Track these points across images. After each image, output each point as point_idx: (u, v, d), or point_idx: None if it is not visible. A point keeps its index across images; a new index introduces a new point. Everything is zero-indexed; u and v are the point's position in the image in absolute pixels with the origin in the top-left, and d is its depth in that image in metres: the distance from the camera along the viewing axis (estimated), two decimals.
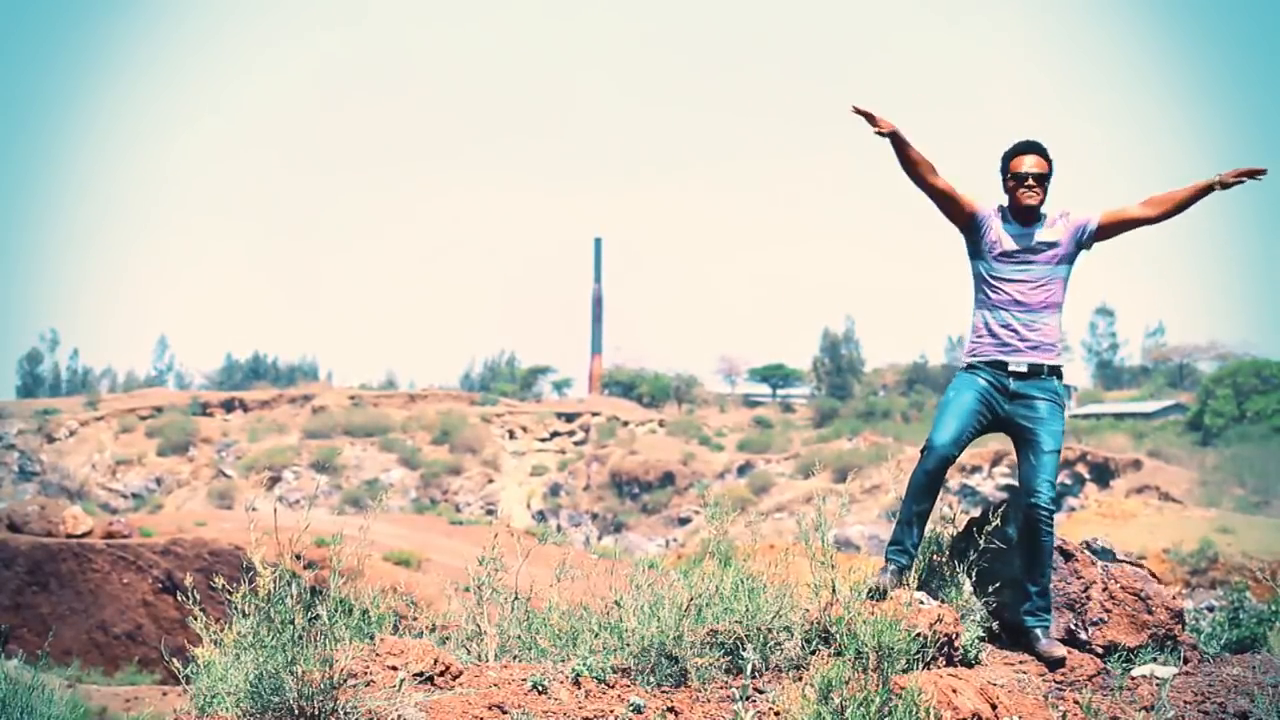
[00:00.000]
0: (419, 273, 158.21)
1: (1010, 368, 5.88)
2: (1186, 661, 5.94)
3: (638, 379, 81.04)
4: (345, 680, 4.66)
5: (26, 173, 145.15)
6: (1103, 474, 56.11)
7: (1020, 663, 5.70)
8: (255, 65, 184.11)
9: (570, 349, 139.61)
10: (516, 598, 5.75)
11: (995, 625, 5.89)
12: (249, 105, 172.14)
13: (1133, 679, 5.62)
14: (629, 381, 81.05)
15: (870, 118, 6.05)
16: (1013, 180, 5.96)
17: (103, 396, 77.77)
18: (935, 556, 6.05)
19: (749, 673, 5.14)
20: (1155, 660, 5.86)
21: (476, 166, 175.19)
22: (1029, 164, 5.93)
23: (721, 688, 5.14)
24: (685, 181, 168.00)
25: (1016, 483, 5.93)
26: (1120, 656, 5.80)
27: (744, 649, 5.23)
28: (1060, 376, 5.97)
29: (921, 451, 5.88)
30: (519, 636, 5.64)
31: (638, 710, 4.93)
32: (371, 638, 5.20)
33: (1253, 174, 5.67)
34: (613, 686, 5.08)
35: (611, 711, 4.92)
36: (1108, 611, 5.95)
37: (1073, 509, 47.82)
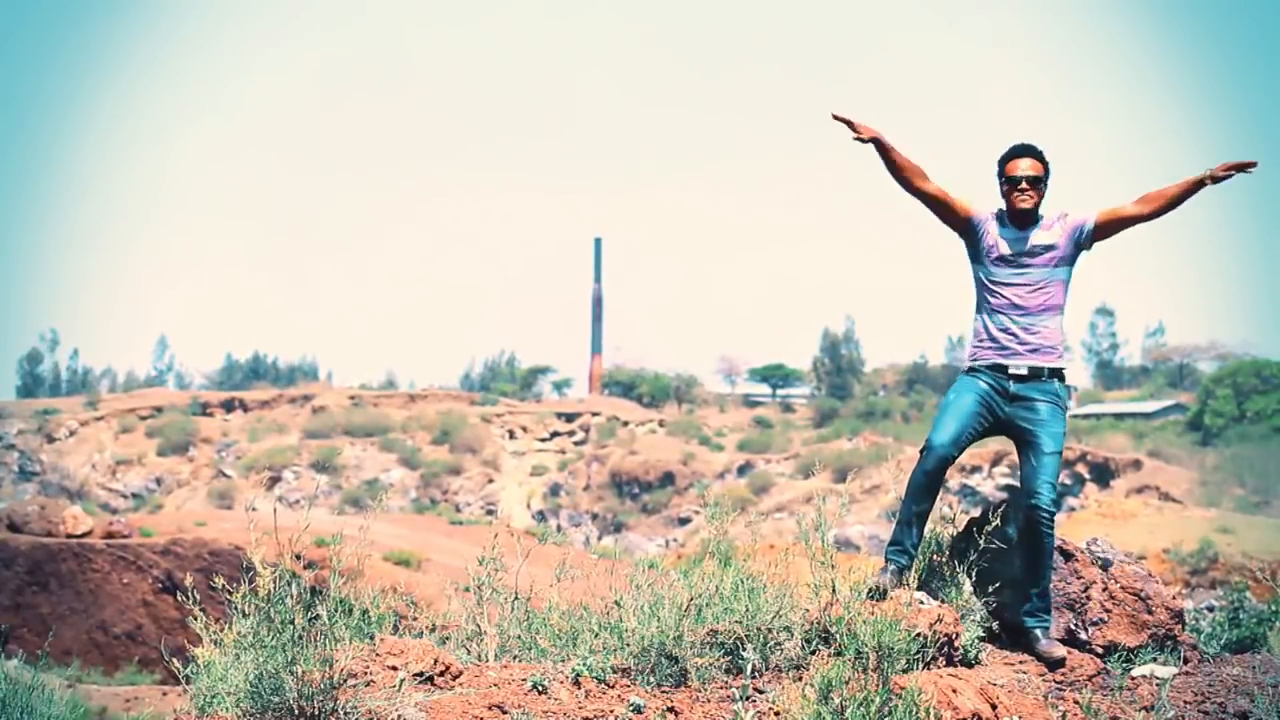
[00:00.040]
0: (419, 273, 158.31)
1: (1010, 370, 5.88)
2: (1186, 661, 5.94)
3: (638, 379, 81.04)
4: (345, 680, 4.66)
5: (26, 173, 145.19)
6: (1103, 474, 56.13)
7: (1020, 663, 5.70)
8: (255, 65, 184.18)
9: (570, 349, 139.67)
10: (516, 598, 5.75)
11: (995, 625, 5.89)
12: (249, 105, 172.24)
13: (1133, 679, 5.62)
14: (629, 381, 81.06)
15: (850, 124, 6.05)
16: (1007, 184, 5.96)
17: (103, 396, 77.77)
18: (935, 556, 6.05)
19: (749, 673, 5.14)
20: (1155, 660, 5.86)
21: (476, 166, 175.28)
22: (1023, 167, 5.93)
23: (721, 688, 5.14)
24: (685, 181, 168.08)
25: (1018, 484, 5.93)
26: (1120, 656, 5.80)
27: (744, 649, 5.23)
28: (1062, 379, 5.95)
29: (921, 452, 5.88)
30: (519, 636, 5.64)
31: (638, 710, 4.93)
32: (371, 638, 5.20)
33: (1242, 167, 5.65)
34: (613, 686, 5.08)
35: (611, 711, 4.92)
36: (1108, 611, 5.96)
37: (1073, 509, 47.84)
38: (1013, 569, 5.81)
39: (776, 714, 4.92)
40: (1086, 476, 56.40)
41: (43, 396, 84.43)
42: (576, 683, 5.05)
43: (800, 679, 5.01)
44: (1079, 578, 6.02)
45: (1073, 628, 5.94)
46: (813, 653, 5.26)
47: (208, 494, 64.73)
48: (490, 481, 66.67)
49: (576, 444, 69.72)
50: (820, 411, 73.43)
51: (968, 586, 5.89)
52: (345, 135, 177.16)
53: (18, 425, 69.36)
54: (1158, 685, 5.52)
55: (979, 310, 6.04)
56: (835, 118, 6.07)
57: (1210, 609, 9.94)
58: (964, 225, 6.08)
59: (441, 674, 4.99)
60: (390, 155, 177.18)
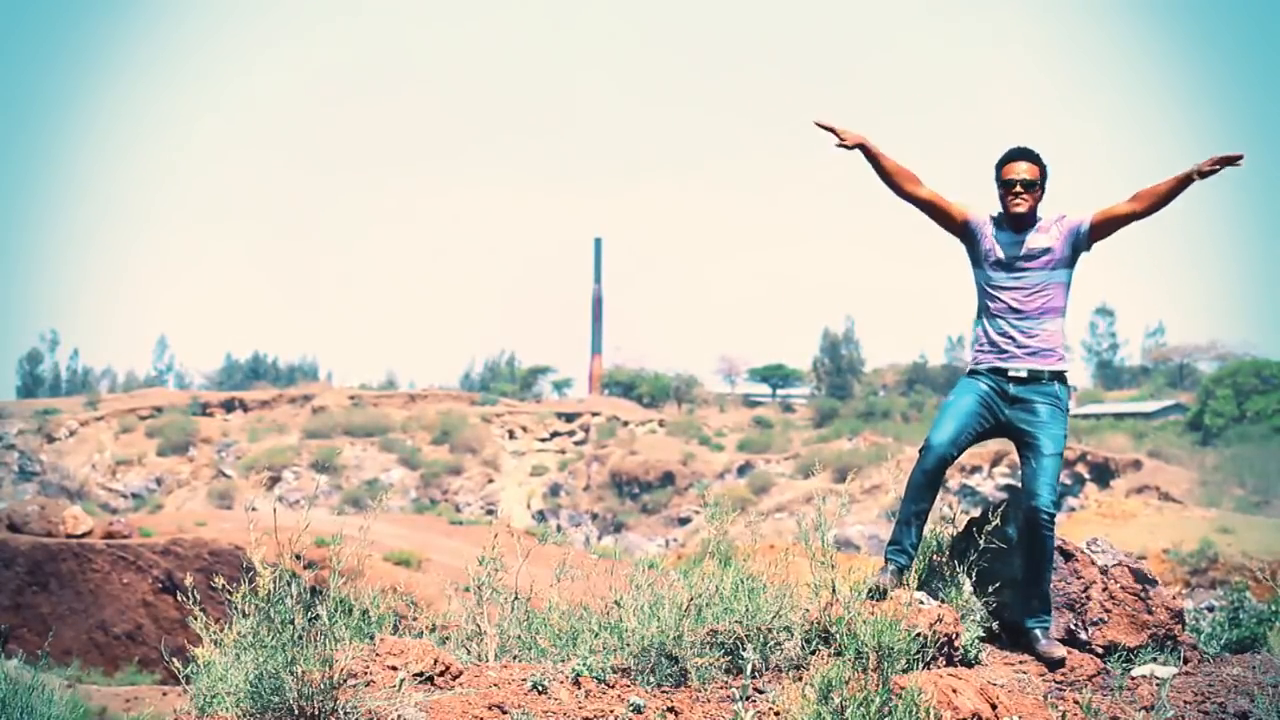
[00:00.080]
0: (419, 273, 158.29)
1: (1010, 373, 5.87)
2: (1186, 661, 5.94)
3: (638, 379, 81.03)
4: (345, 680, 4.66)
5: (26, 173, 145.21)
6: (1103, 474, 56.14)
7: (1020, 663, 5.70)
8: (255, 65, 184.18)
9: (570, 349, 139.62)
10: (516, 598, 5.76)
11: (995, 625, 5.89)
12: (249, 105, 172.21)
13: (1133, 679, 5.62)
14: (629, 381, 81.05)
15: (833, 131, 6.05)
16: (1003, 188, 5.96)
17: (103, 396, 77.77)
18: (935, 556, 6.06)
19: (749, 673, 5.14)
20: (1155, 660, 5.86)
21: (476, 166, 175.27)
22: (1017, 171, 5.92)
23: (721, 688, 5.14)
24: (685, 181, 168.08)
25: (1019, 484, 5.93)
26: (1120, 656, 5.80)
27: (744, 649, 5.23)
28: (1064, 381, 5.94)
29: (920, 451, 5.88)
30: (519, 636, 5.64)
31: (638, 710, 4.93)
32: (371, 638, 5.21)
33: (1229, 160, 5.62)
34: (613, 686, 5.08)
35: (611, 711, 4.92)
36: (1108, 611, 5.96)
37: (1073, 509, 47.84)
38: (1013, 569, 5.82)
39: (776, 714, 4.92)
40: (1086, 476, 56.41)
41: (43, 396, 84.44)
42: (576, 683, 5.05)
43: (800, 679, 5.01)
44: (1079, 577, 6.02)
45: (1073, 628, 5.94)
46: (813, 653, 5.26)
47: (208, 494, 64.74)
48: (490, 481, 66.67)
49: (576, 444, 69.72)
50: (820, 411, 73.42)
51: (968, 586, 5.89)
52: (345, 135, 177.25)
53: (18, 425, 69.37)
54: (1158, 685, 5.52)
55: (979, 315, 6.04)
56: (818, 125, 6.07)
57: (1210, 609, 9.93)
58: (961, 230, 6.08)
59: (441, 674, 4.99)
60: (390, 155, 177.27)
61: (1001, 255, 5.94)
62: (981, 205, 6.08)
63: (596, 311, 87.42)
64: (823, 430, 68.38)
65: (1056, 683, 5.59)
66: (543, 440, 70.19)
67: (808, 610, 5.42)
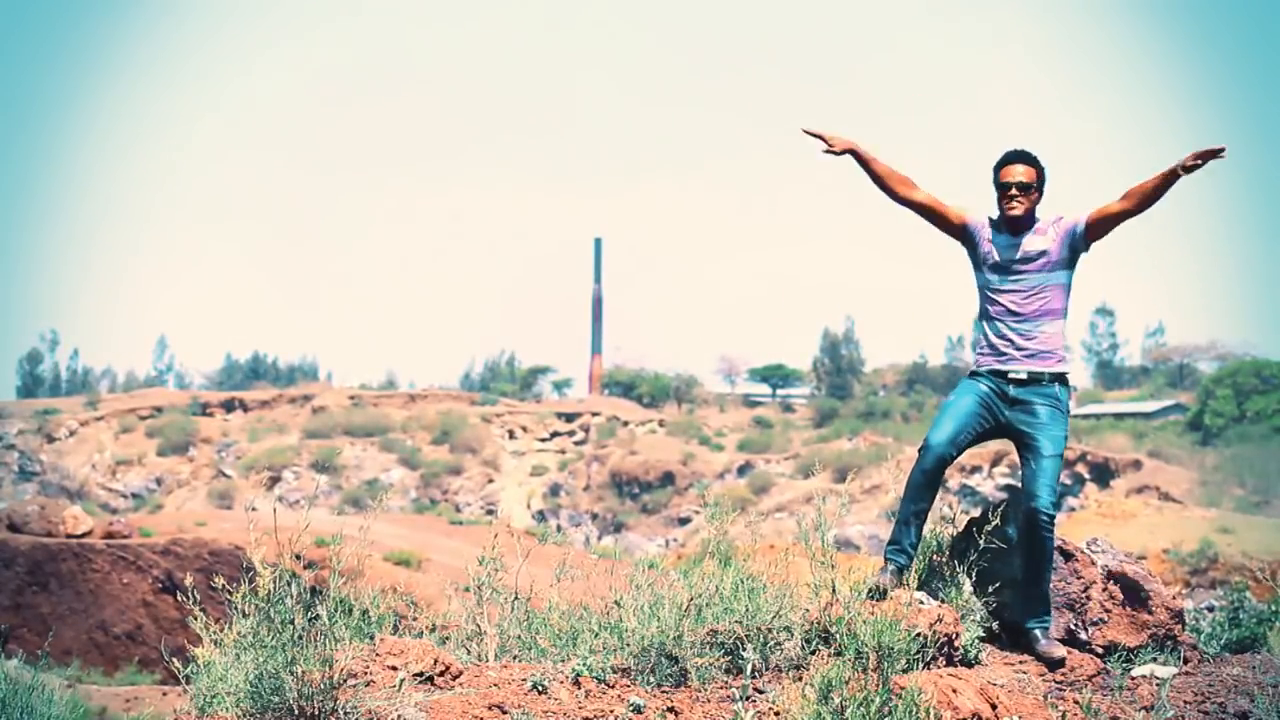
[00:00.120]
0: (419, 273, 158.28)
1: (1010, 375, 5.87)
2: (1186, 661, 5.94)
3: (638, 379, 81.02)
4: (345, 680, 4.66)
5: (26, 173, 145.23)
6: (1103, 474, 56.15)
7: (1020, 663, 5.70)
8: (255, 65, 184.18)
9: (570, 349, 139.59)
10: (516, 598, 5.76)
11: (995, 625, 5.89)
12: (249, 105, 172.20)
13: (1133, 679, 5.62)
14: (629, 381, 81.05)
15: (821, 138, 6.06)
16: (999, 190, 5.96)
17: (103, 396, 77.78)
18: (935, 556, 6.06)
19: (749, 673, 5.14)
20: (1155, 660, 5.86)
21: (476, 166, 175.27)
22: (1013, 174, 5.92)
23: (721, 688, 5.14)
24: (685, 181, 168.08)
25: (1019, 485, 5.93)
26: (1120, 656, 5.80)
27: (744, 649, 5.23)
28: (1065, 383, 5.94)
29: (919, 451, 5.88)
30: (519, 636, 5.64)
31: (638, 710, 4.93)
32: (371, 638, 5.21)
33: (1210, 155, 5.61)
34: (613, 686, 5.08)
35: (611, 711, 4.92)
36: (1108, 611, 5.96)
37: (1073, 509, 47.85)
38: (1013, 569, 5.82)
39: (776, 714, 4.92)
40: (1086, 476, 56.42)
41: (43, 396, 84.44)
42: (576, 683, 5.05)
43: (800, 679, 5.01)
44: (1079, 577, 6.02)
45: (1073, 628, 5.94)
46: (813, 653, 5.26)
47: (208, 494, 64.74)
48: (490, 481, 66.68)
49: (576, 444, 69.72)
50: (820, 411, 73.42)
51: (968, 586, 5.89)
52: (345, 135, 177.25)
53: (18, 425, 69.37)
54: (1158, 685, 5.52)
55: (979, 318, 6.06)
56: (806, 132, 6.08)
57: (1210, 609, 9.93)
58: (960, 233, 6.09)
59: (441, 674, 5.00)
60: (390, 155, 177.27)
61: (999, 258, 5.95)
62: (980, 208, 6.08)
63: (596, 311, 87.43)
64: (823, 430, 68.37)
65: (1056, 683, 5.59)
66: (543, 440, 70.19)
67: (808, 610, 5.42)
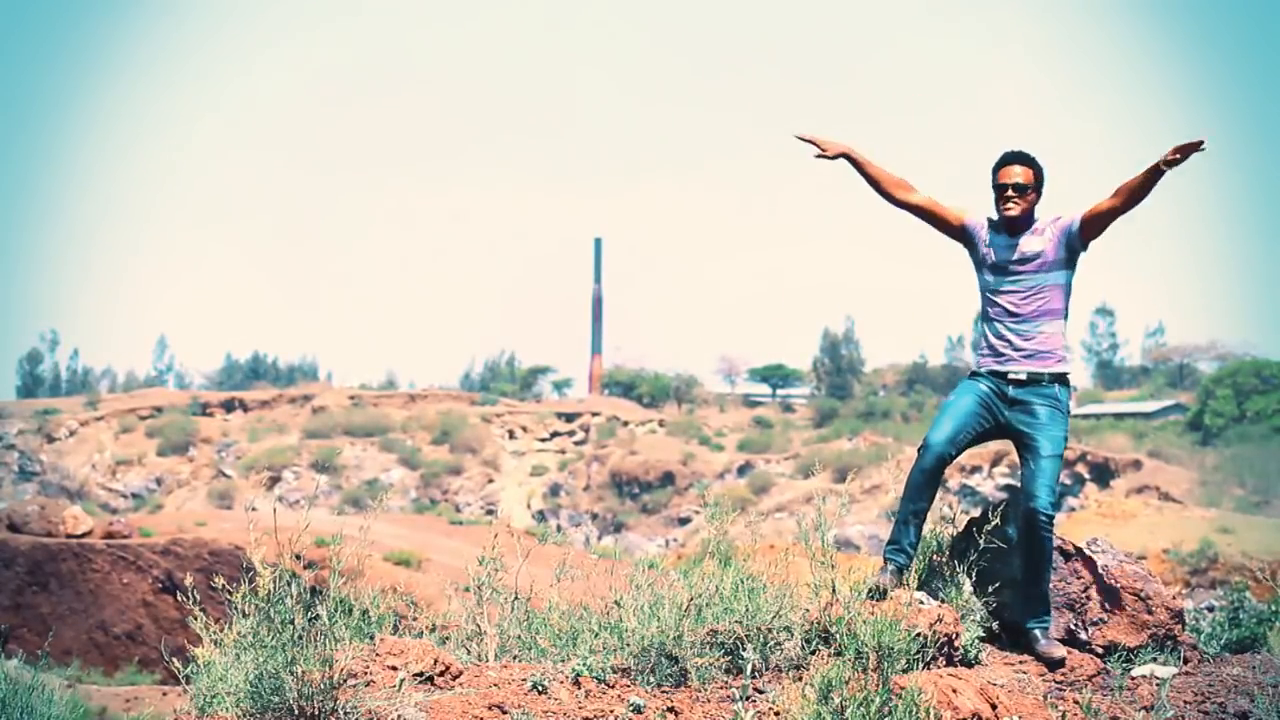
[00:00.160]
0: (419, 273, 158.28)
1: (1009, 376, 5.88)
2: (1186, 661, 5.94)
3: (638, 379, 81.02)
4: (345, 680, 4.66)
5: (26, 173, 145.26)
6: (1103, 474, 56.14)
7: (1020, 663, 5.70)
8: (255, 65, 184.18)
9: (570, 349, 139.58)
10: (516, 598, 5.76)
11: (995, 625, 5.89)
12: (249, 105, 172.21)
13: (1133, 679, 5.62)
14: (629, 381, 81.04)
15: (814, 143, 6.07)
16: (996, 191, 5.97)
17: (103, 396, 77.77)
18: (935, 556, 6.06)
19: (749, 673, 5.14)
20: (1155, 660, 5.86)
21: (476, 166, 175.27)
22: (1009, 175, 5.93)
23: (721, 688, 5.14)
24: (685, 181, 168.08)
25: (1019, 485, 5.93)
26: (1120, 656, 5.80)
27: (744, 649, 5.23)
28: (1065, 383, 5.93)
29: (918, 451, 5.88)
30: (519, 636, 5.64)
31: (638, 710, 4.93)
32: (371, 638, 5.21)
33: (1191, 148, 5.59)
34: (613, 686, 5.08)
35: (611, 711, 4.92)
36: (1108, 611, 5.96)
37: (1073, 509, 47.84)
38: (1013, 569, 5.82)
39: (776, 714, 4.92)
40: (1086, 476, 56.41)
41: (43, 396, 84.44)
42: (576, 683, 5.05)
43: (800, 679, 5.01)
44: (1079, 577, 6.02)
45: (1073, 628, 5.94)
46: (813, 653, 5.26)
47: (208, 494, 64.74)
48: (490, 481, 66.68)
49: (576, 444, 69.72)
50: (820, 411, 73.42)
51: (968, 586, 5.89)
52: (345, 135, 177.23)
53: (18, 425, 69.37)
54: (1158, 685, 5.52)
55: (980, 319, 6.07)
56: (799, 138, 6.10)
57: (1210, 609, 9.93)
58: (959, 234, 6.10)
59: (441, 674, 5.00)
60: (390, 155, 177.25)
61: (996, 259, 5.96)
62: (980, 209, 6.09)
63: (596, 311, 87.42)
64: (823, 430, 68.37)
65: (1056, 683, 5.59)
66: (543, 440, 70.19)
67: (808, 610, 5.42)
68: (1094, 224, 5.85)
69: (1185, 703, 5.47)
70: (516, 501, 64.66)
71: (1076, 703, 5.34)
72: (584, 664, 5.11)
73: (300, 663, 4.57)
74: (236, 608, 4.74)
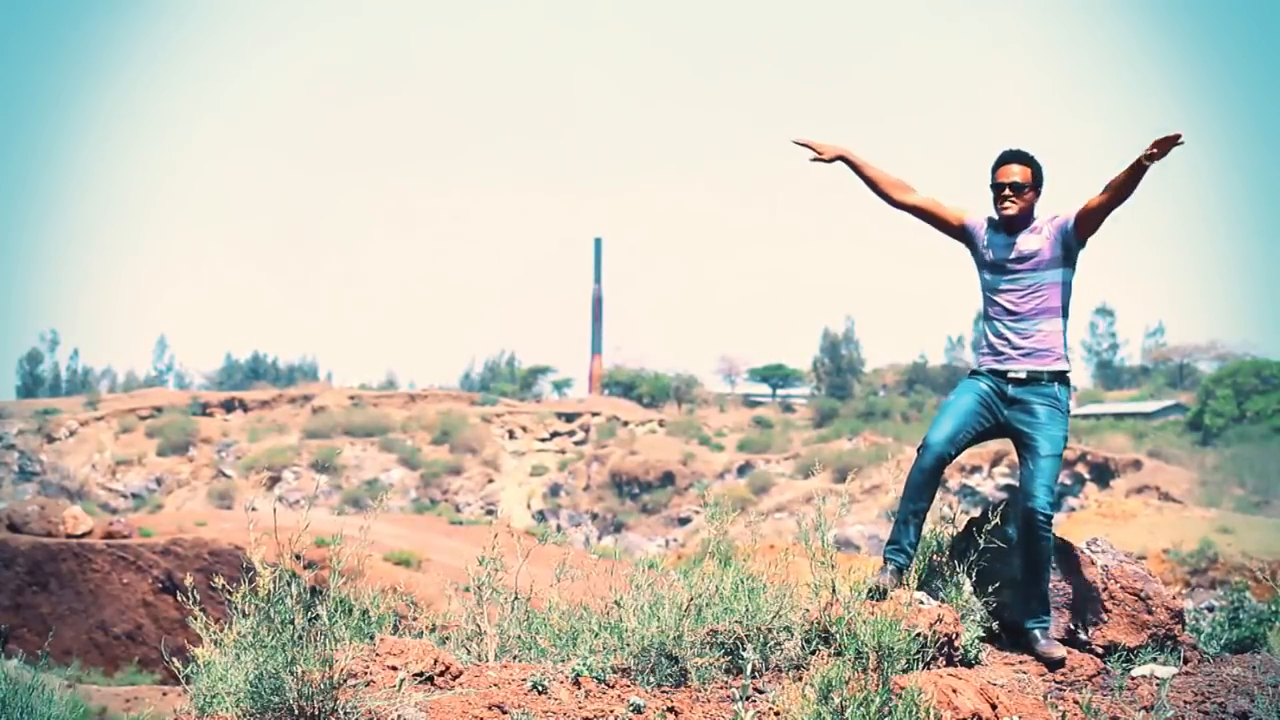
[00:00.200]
0: (419, 273, 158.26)
1: (1009, 375, 5.88)
2: (1186, 661, 5.94)
3: (638, 379, 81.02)
4: (345, 680, 4.66)
5: (26, 173, 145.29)
6: (1103, 474, 56.14)
7: (1020, 663, 5.70)
8: (255, 65, 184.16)
9: (570, 349, 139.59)
10: (516, 598, 5.76)
11: (995, 625, 5.89)
12: (249, 105, 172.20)
13: (1133, 679, 5.62)
14: (629, 381, 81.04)
15: (810, 146, 6.08)
16: (993, 191, 5.98)
17: (103, 396, 77.77)
18: (935, 556, 6.06)
19: (749, 673, 5.14)
20: (1155, 660, 5.86)
21: (476, 166, 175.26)
22: (1006, 174, 5.95)
23: (721, 688, 5.14)
24: (685, 181, 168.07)
25: (1018, 485, 5.94)
26: (1120, 656, 5.80)
27: (744, 649, 5.23)
28: (1065, 382, 5.93)
29: (918, 450, 5.88)
30: (519, 636, 5.64)
31: (638, 710, 4.93)
32: (371, 638, 5.21)
33: (1169, 142, 5.56)
34: (613, 686, 5.08)
35: (611, 711, 4.92)
36: (1108, 611, 5.96)
37: (1073, 509, 47.84)
38: (1013, 569, 5.82)
39: (776, 714, 4.92)
40: (1086, 476, 56.41)
41: (43, 396, 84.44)
42: (576, 683, 5.05)
43: (800, 679, 5.01)
44: (1079, 578, 6.02)
45: (1073, 628, 5.94)
46: (813, 653, 5.26)
47: (208, 494, 64.74)
48: (490, 481, 66.68)
49: (576, 444, 69.72)
50: (820, 411, 73.41)
51: (968, 586, 5.89)
52: (345, 135, 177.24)
53: (18, 425, 69.37)
54: (1158, 685, 5.52)
55: (982, 318, 6.08)
56: (796, 143, 6.11)
57: (1210, 609, 9.93)
58: (959, 234, 6.11)
59: (441, 674, 5.00)
60: (390, 155, 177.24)
61: (994, 258, 5.97)
62: (980, 209, 6.09)
63: (596, 311, 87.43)
64: (823, 430, 68.36)
65: (1056, 683, 5.59)
66: (543, 440, 70.19)
67: (808, 610, 5.42)
68: (1087, 220, 5.86)
69: (1185, 703, 5.47)
70: (516, 501, 64.67)
71: (1076, 703, 5.34)
72: (584, 664, 5.12)
73: (300, 663, 4.57)
74: (236, 608, 4.74)
